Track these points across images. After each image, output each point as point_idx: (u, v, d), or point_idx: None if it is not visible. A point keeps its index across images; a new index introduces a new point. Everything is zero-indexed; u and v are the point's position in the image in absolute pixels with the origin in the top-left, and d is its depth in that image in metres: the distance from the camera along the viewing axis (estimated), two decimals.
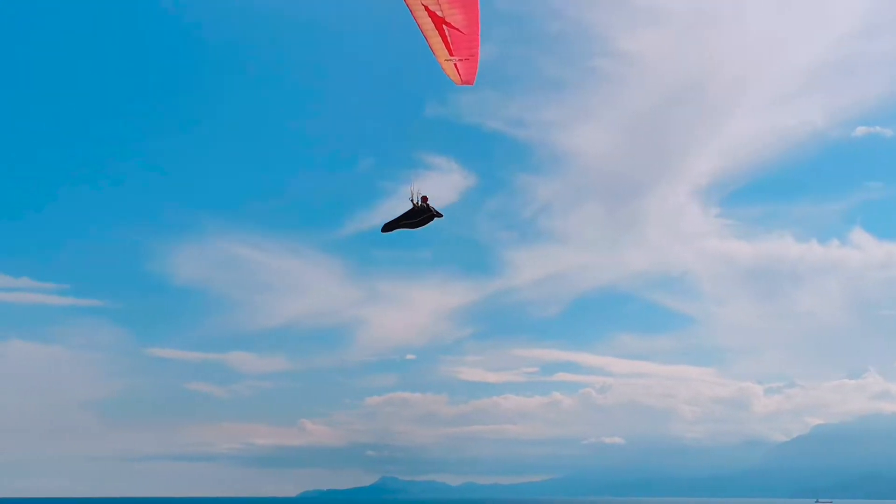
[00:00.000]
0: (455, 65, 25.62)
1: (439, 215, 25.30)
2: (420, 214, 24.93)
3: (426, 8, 24.90)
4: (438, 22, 25.15)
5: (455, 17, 25.04)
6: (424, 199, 25.05)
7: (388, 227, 24.91)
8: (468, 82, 26.19)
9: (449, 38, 25.45)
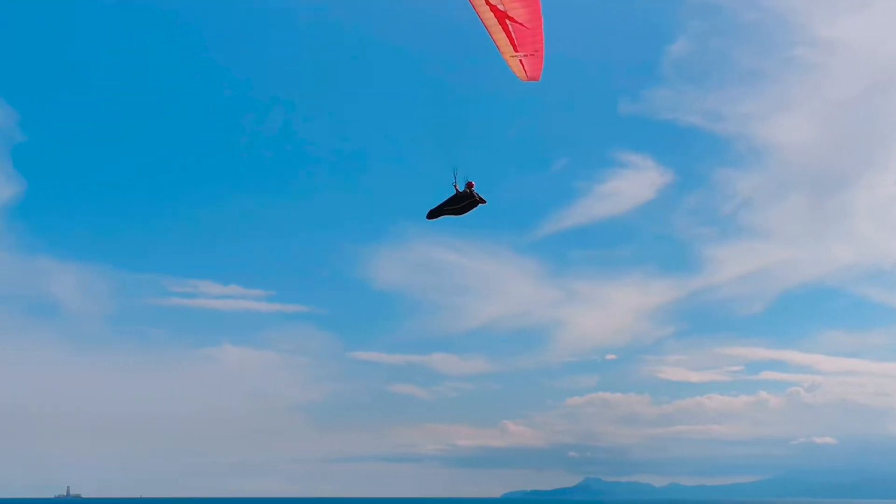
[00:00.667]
0: (520, 61, 24.57)
1: (482, 201, 24.57)
2: (463, 200, 24.25)
3: (487, 2, 23.96)
4: (501, 17, 24.19)
5: (517, 11, 24.02)
6: (470, 184, 24.25)
7: (433, 213, 24.33)
8: (534, 78, 25.14)
9: (513, 34, 24.47)
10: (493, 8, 24.19)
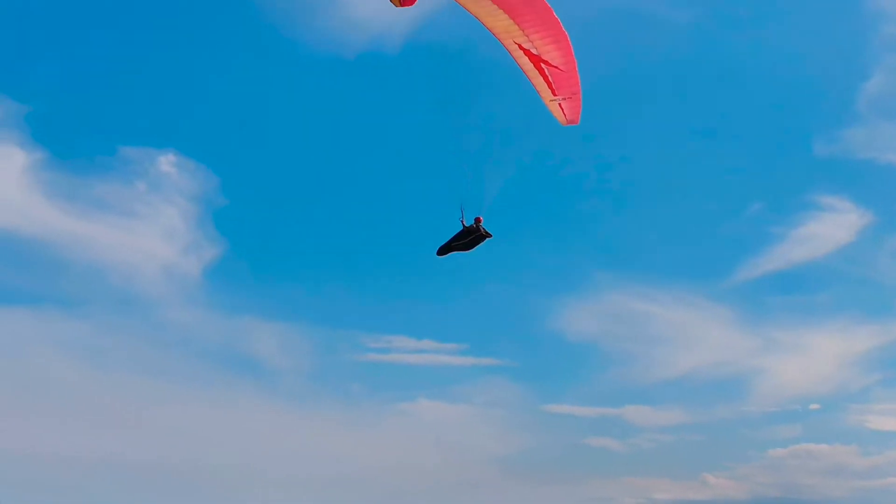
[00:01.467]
0: (559, 105, 24.29)
1: (488, 235, 24.12)
2: (470, 234, 23.86)
3: (520, 47, 23.87)
4: (536, 61, 23.98)
5: (551, 54, 23.78)
6: (478, 219, 23.96)
7: (442, 250, 24.06)
8: (573, 121, 24.73)
9: (550, 78, 24.20)
10: (528, 52, 24.03)
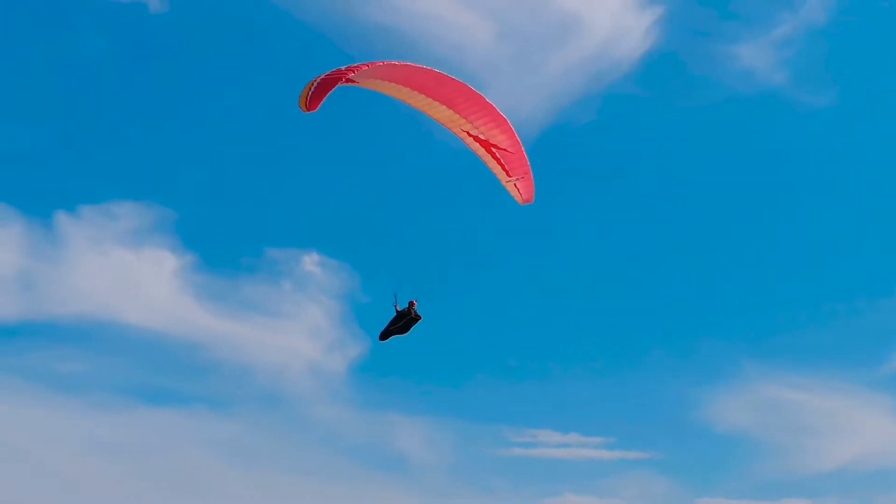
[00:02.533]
0: (515, 185, 24.99)
1: (418, 318, 24.74)
2: (403, 318, 24.61)
3: (468, 133, 24.76)
4: (486, 146, 24.79)
5: (497, 137, 24.56)
6: (412, 303, 24.68)
7: (383, 335, 24.91)
8: (528, 200, 25.29)
9: (502, 160, 24.95)
10: (476, 138, 24.82)
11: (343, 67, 22.59)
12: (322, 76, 22.53)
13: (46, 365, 78.54)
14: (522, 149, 24.73)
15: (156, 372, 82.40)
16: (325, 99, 22.33)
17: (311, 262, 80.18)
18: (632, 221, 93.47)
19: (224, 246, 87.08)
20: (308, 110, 22.25)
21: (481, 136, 24.64)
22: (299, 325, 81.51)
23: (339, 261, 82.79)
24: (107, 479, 69.87)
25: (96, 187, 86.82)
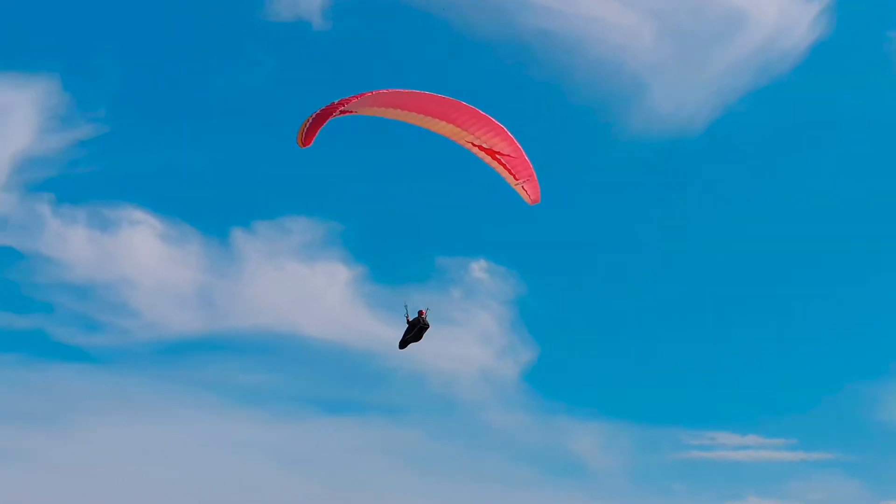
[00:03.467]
0: (523, 187, 26.51)
1: (427, 326, 26.25)
2: (415, 327, 26.20)
3: (473, 144, 26.37)
4: (491, 154, 26.23)
5: (499, 145, 25.95)
6: (422, 312, 26.25)
7: (401, 344, 26.69)
8: (536, 201, 26.48)
9: (508, 165, 26.43)
10: (481, 148, 26.26)
11: (336, 102, 24.82)
12: (317, 111, 24.87)
13: (228, 377, 79.64)
14: (524, 154, 26.04)
15: (333, 382, 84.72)
16: (318, 133, 24.67)
17: (479, 268, 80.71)
18: (805, 214, 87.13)
19: (393, 256, 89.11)
20: (302, 146, 24.60)
21: (485, 146, 26.13)
22: (470, 332, 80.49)
23: (506, 267, 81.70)
24: (288, 488, 72.26)
25: (270, 203, 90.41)
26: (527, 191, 26.46)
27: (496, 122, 25.78)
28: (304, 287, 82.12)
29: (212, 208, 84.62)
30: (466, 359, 79.44)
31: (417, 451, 77.88)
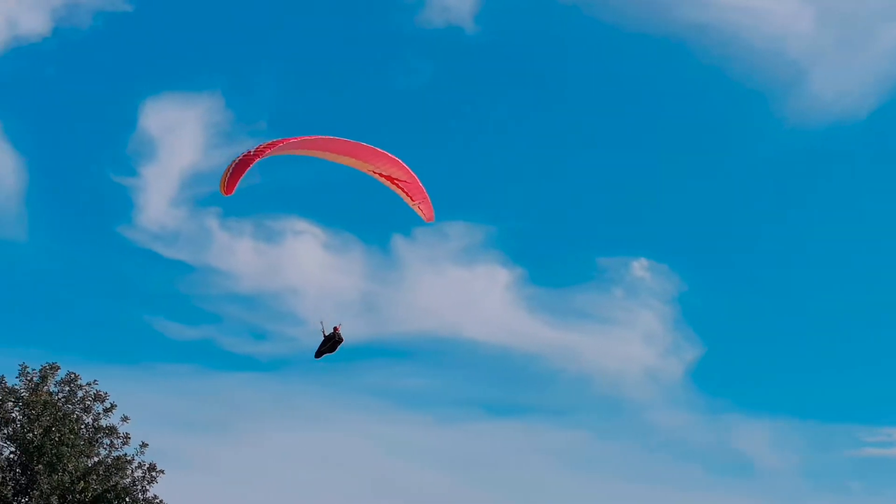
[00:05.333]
0: (419, 207, 30.98)
1: (341, 340, 29.98)
2: (330, 341, 29.95)
3: (373, 172, 30.80)
4: (391, 180, 30.84)
5: (397, 174, 30.52)
6: (336, 328, 29.93)
7: (317, 354, 30.37)
8: (430, 219, 31.27)
9: (404, 189, 30.91)
10: (382, 175, 30.89)
11: (252, 150, 28.83)
12: (236, 160, 28.88)
13: (392, 382, 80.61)
14: (418, 180, 30.59)
15: (496, 384, 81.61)
16: (240, 180, 28.75)
17: (640, 267, 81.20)
18: None
19: (552, 258, 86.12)
20: (225, 194, 28.58)
21: (384, 174, 30.62)
22: (633, 332, 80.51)
23: (667, 265, 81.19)
24: (453, 491, 72.32)
25: None
26: (422, 210, 31.02)
27: (392, 155, 30.22)
28: (465, 291, 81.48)
29: (372, 216, 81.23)
30: (630, 358, 79.18)
31: (583, 452, 77.32)
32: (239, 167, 28.70)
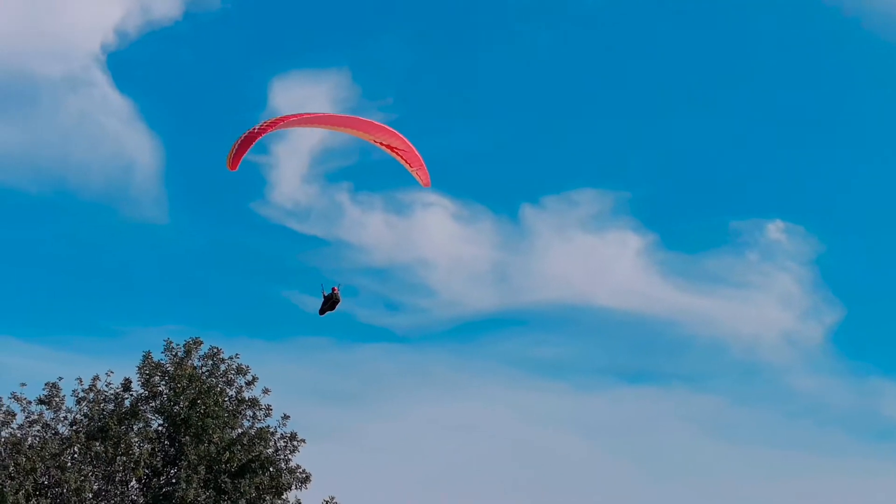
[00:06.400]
0: (416, 173, 33.06)
1: (339, 300, 32.50)
2: (329, 301, 32.58)
3: (374, 141, 32.78)
4: (390, 149, 32.75)
5: (393, 141, 32.27)
6: (335, 289, 32.48)
7: (321, 312, 33.03)
8: (427, 185, 33.26)
9: (403, 157, 32.89)
10: (382, 144, 32.86)
11: (256, 127, 31.02)
12: (242, 136, 31.14)
13: (525, 351, 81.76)
14: (414, 149, 32.44)
15: (631, 352, 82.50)
16: (244, 156, 31.04)
17: (775, 229, 79.92)
18: None
19: (685, 222, 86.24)
20: (231, 169, 30.95)
21: (384, 143, 32.60)
22: (769, 295, 79.42)
23: (804, 227, 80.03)
24: (591, 459, 72.17)
25: (557, 178, 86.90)
26: (419, 175, 33.06)
27: (393, 129, 32.23)
28: (595, 258, 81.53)
29: (501, 186, 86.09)
30: (767, 322, 78.47)
31: (720, 418, 76.80)
32: (244, 143, 30.87)
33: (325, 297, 32.48)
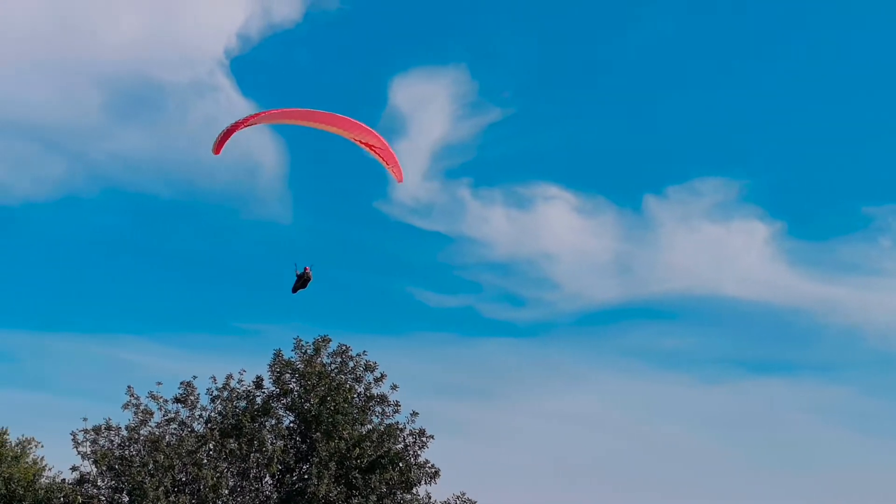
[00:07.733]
0: (391, 170, 35.23)
1: (310, 279, 34.57)
2: (301, 279, 34.63)
3: (353, 139, 34.96)
4: (368, 146, 34.80)
5: (372, 141, 34.48)
6: (307, 269, 34.46)
7: (293, 290, 35.11)
8: (400, 181, 35.36)
9: (380, 154, 35.03)
10: (361, 143, 35.07)
11: (241, 120, 33.40)
12: (228, 126, 33.50)
13: (650, 342, 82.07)
14: (390, 148, 34.53)
15: (759, 341, 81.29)
16: (226, 143, 33.42)
17: None
18: None
19: (813, 209, 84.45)
20: (215, 153, 33.32)
21: (362, 141, 34.74)
22: None
23: None
24: (718, 450, 71.47)
25: (680, 167, 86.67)
26: (394, 171, 35.20)
27: (371, 129, 34.38)
28: (721, 247, 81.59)
29: (623, 178, 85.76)
30: None
31: (852, 409, 75.30)
32: (226, 133, 33.40)
33: (297, 275, 34.59)
